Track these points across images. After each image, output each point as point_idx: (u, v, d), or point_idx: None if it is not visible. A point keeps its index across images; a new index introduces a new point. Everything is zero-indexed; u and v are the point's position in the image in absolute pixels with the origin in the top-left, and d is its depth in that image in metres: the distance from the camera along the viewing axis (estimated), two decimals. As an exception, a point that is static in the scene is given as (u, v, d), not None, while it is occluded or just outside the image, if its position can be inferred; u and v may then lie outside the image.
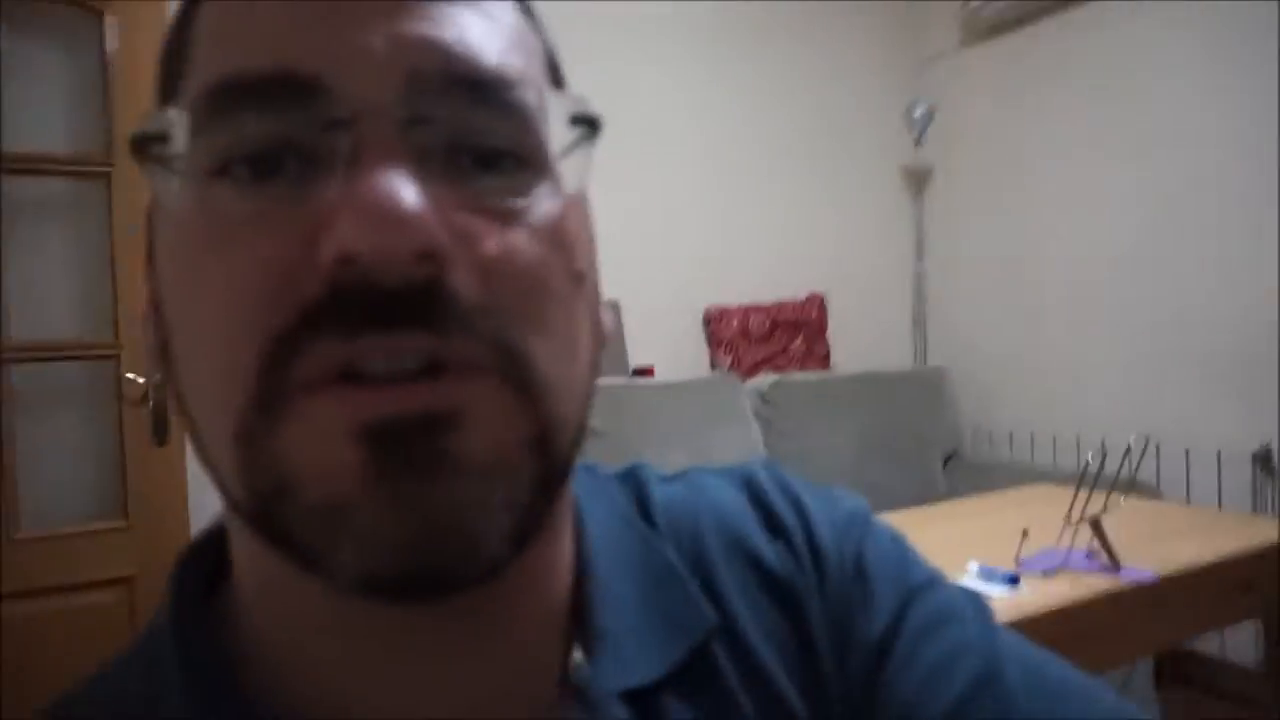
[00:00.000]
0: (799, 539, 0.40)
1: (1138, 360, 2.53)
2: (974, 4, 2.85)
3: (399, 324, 0.25)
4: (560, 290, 0.30)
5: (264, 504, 0.27)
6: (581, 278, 0.31)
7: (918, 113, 3.06)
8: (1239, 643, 2.13)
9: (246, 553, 0.32)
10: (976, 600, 0.40)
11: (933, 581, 0.40)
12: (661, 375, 2.57)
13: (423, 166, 0.26)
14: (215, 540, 0.36)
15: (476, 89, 0.28)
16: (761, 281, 2.88)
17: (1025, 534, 1.38)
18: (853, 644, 0.38)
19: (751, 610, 0.38)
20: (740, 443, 2.43)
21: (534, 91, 0.30)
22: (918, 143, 3.10)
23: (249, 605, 0.32)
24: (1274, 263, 2.21)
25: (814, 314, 2.94)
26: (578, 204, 0.32)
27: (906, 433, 2.71)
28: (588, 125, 0.31)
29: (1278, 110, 2.17)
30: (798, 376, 2.70)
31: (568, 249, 0.30)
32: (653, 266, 2.59)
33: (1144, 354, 2.51)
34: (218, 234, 0.27)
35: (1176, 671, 2.29)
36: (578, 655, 0.34)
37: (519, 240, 0.28)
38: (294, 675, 0.31)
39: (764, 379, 2.64)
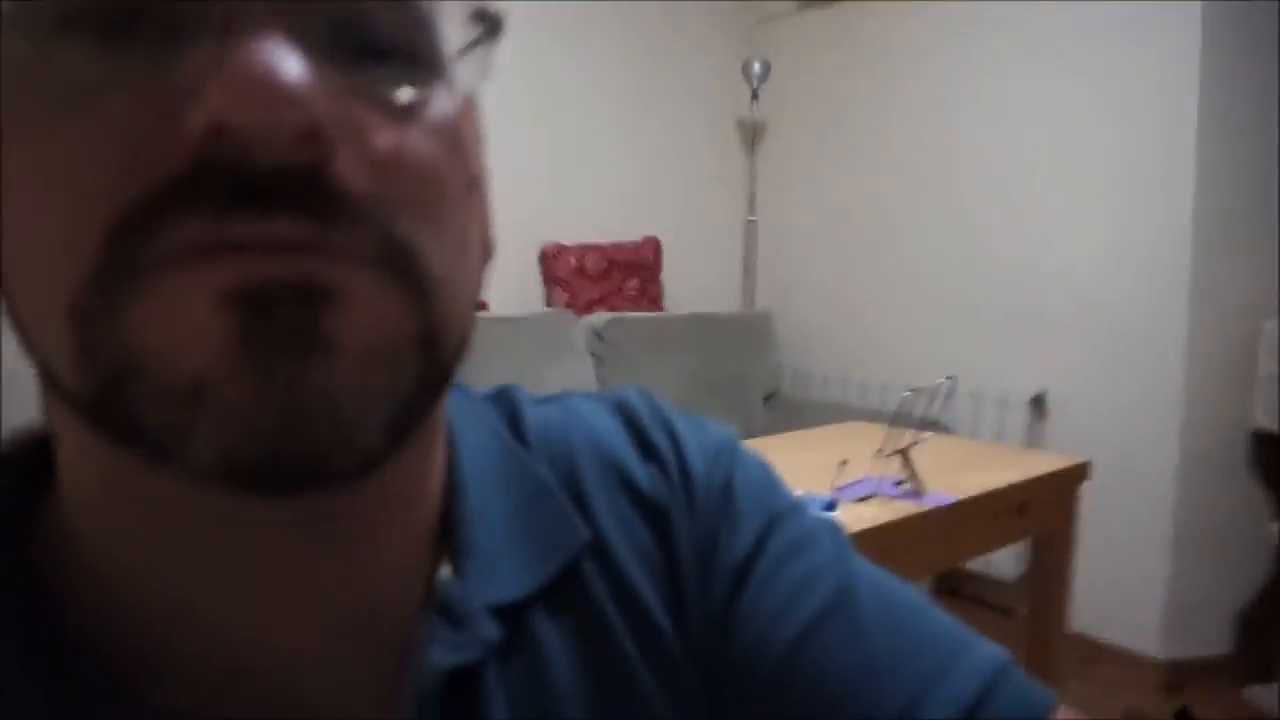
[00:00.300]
0: (671, 462, 0.40)
1: (940, 314, 2.78)
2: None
3: (275, 207, 0.23)
4: (455, 194, 0.28)
5: (105, 389, 0.24)
6: (475, 184, 0.30)
7: (754, 69, 3.15)
8: (999, 560, 2.43)
9: (76, 452, 0.28)
10: (834, 529, 0.41)
11: (795, 509, 0.41)
12: (495, 309, 2.55)
13: (304, 46, 0.24)
14: (28, 449, 0.32)
15: None
16: (599, 222, 2.90)
17: (844, 464, 1.50)
18: (717, 564, 0.38)
19: (622, 530, 0.38)
20: (573, 378, 2.46)
21: None
22: (754, 98, 3.19)
23: (77, 516, 0.29)
24: (1056, 238, 2.48)
25: (649, 256, 2.99)
26: (472, 107, 0.30)
27: (732, 372, 2.85)
28: (488, 23, 0.29)
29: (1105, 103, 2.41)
30: (633, 315, 2.75)
31: (463, 152, 0.29)
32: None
33: (945, 309, 2.77)
34: (57, 96, 0.24)
35: (949, 585, 2.60)
36: (444, 570, 0.33)
37: (415, 138, 0.26)
38: (131, 594, 0.28)
39: (599, 316, 2.68)
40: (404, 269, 0.25)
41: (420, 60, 0.27)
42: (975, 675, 0.35)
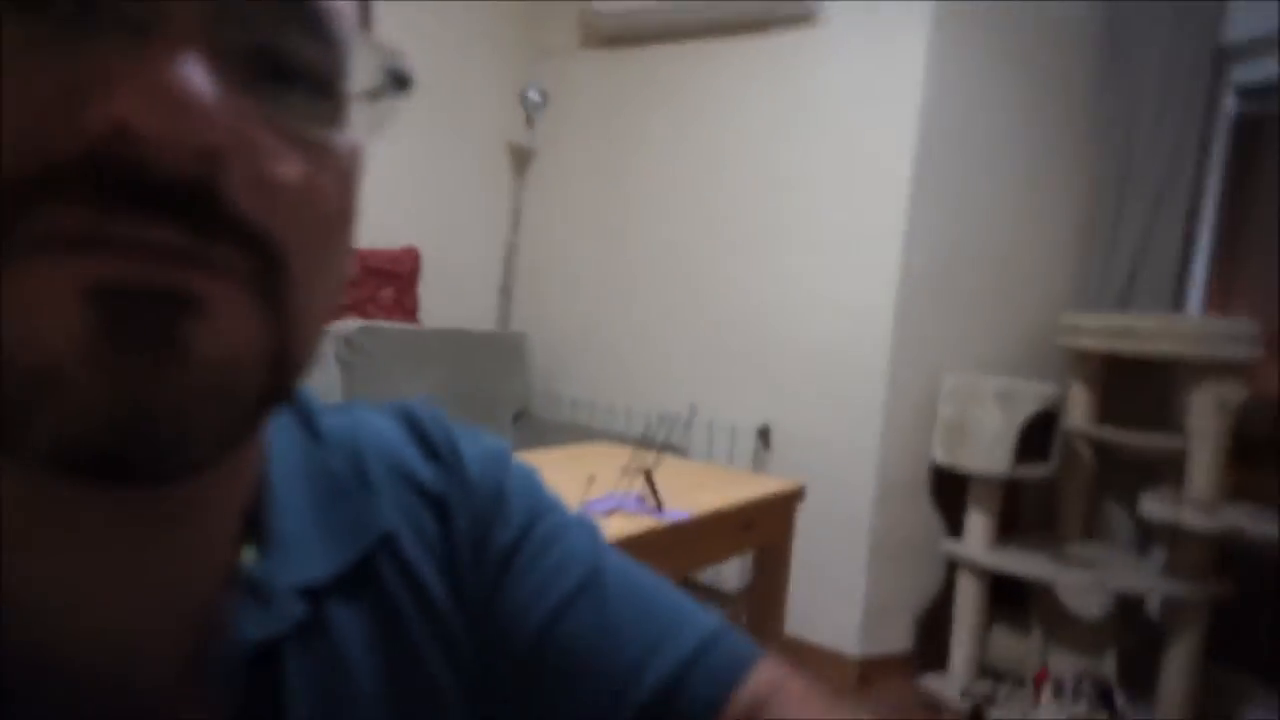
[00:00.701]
0: (450, 462, 0.44)
1: (681, 348, 2.98)
2: (594, 11, 3.07)
3: (157, 213, 0.23)
4: (336, 227, 0.30)
5: None
6: (352, 219, 0.32)
7: (531, 97, 3.22)
8: (726, 573, 2.64)
9: None
10: (590, 524, 0.47)
11: (555, 506, 0.47)
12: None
13: (220, 66, 0.24)
14: None
15: (295, 5, 0.27)
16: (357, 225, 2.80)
17: (592, 480, 1.57)
18: (488, 551, 0.43)
19: (408, 522, 0.41)
20: (318, 384, 2.35)
21: (349, 28, 0.29)
22: (528, 125, 3.26)
23: None
24: (786, 288, 2.75)
25: (408, 266, 2.94)
26: (361, 150, 0.32)
27: (483, 390, 2.86)
28: (398, 81, 0.30)
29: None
30: (385, 325, 2.68)
31: (349, 189, 0.30)
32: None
33: (686, 344, 2.97)
34: None
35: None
36: (249, 553, 0.34)
37: (311, 171, 0.27)
38: None
39: (350, 323, 2.58)
40: (273, 292, 0.26)
41: (329, 96, 0.28)
42: (697, 633, 0.42)
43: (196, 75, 0.23)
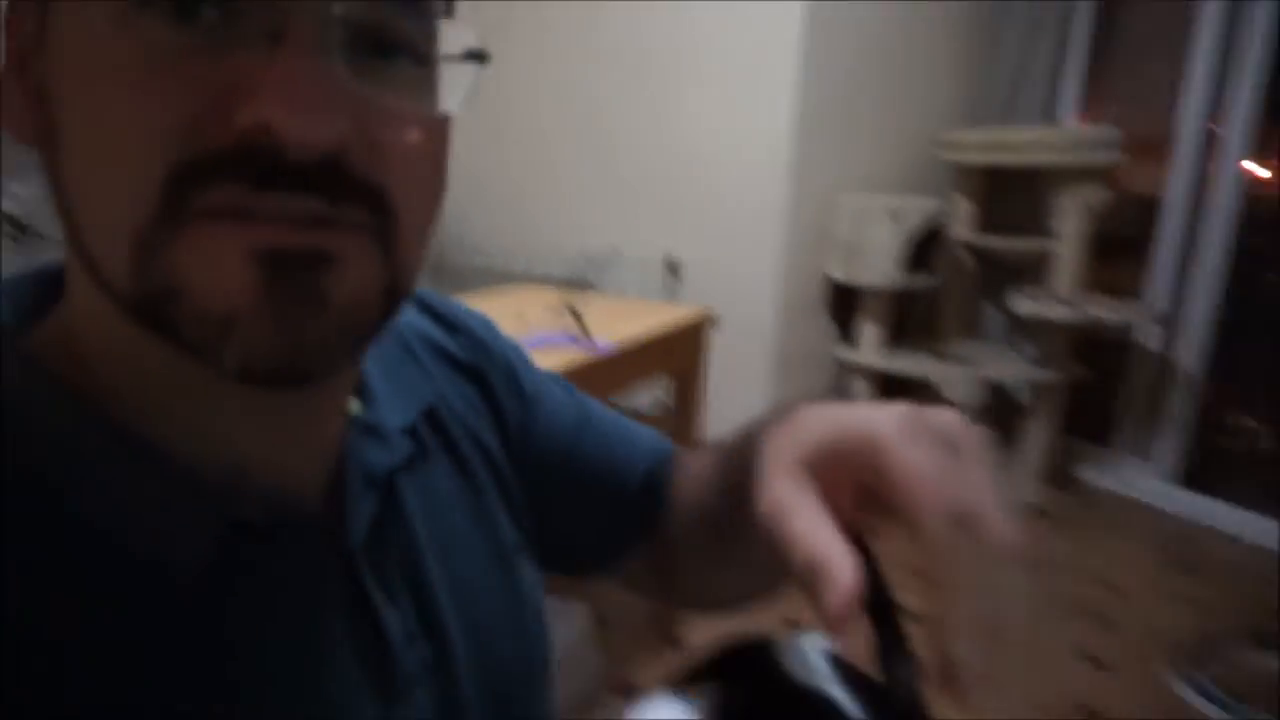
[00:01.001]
0: (467, 333, 0.54)
1: (589, 188, 3.03)
2: None
3: (298, 188, 0.29)
4: (438, 182, 0.36)
5: (155, 302, 0.30)
6: (445, 172, 0.37)
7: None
8: (639, 399, 2.84)
9: (102, 318, 0.33)
10: (559, 377, 0.61)
11: (533, 364, 0.59)
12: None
13: (339, 55, 0.29)
14: (34, 281, 0.38)
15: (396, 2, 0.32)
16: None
17: (521, 318, 1.68)
18: (517, 403, 0.54)
19: (454, 388, 0.51)
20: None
21: (438, 7, 0.34)
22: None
23: (91, 356, 0.34)
24: (687, 123, 2.81)
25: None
26: (450, 114, 0.37)
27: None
28: (477, 57, 0.35)
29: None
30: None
31: (446, 146, 0.36)
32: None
33: (594, 184, 3.02)
34: (136, 57, 0.28)
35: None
36: (356, 404, 0.43)
37: (421, 137, 0.33)
38: (137, 424, 0.34)
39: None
40: (387, 238, 0.33)
41: (424, 65, 0.34)
42: (652, 435, 0.61)
43: (320, 75, 0.29)
